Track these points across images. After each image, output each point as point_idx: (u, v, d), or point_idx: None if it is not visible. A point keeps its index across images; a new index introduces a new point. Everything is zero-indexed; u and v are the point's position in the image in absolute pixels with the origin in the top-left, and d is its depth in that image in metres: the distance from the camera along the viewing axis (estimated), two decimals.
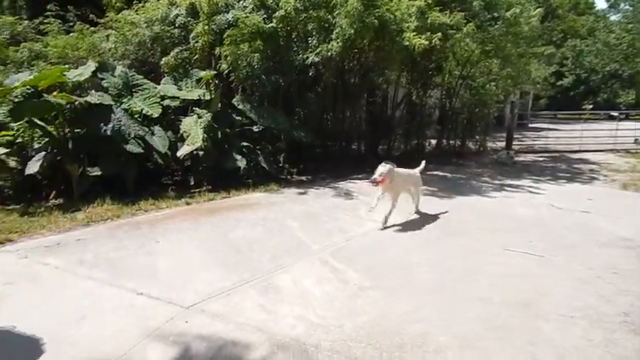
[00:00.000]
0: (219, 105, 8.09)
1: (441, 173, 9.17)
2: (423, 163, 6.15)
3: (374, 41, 8.54)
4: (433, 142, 12.23)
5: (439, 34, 8.14)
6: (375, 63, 9.38)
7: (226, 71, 8.25)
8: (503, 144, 13.36)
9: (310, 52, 8.12)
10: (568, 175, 9.37)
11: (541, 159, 12.13)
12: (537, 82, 19.26)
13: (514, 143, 13.58)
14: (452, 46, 9.60)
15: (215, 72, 8.34)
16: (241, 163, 7.39)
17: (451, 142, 12.48)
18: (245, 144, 7.84)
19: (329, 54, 7.95)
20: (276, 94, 8.74)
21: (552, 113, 31.35)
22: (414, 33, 7.93)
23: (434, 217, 5.67)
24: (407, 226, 5.12)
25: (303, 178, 8.31)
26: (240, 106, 8.15)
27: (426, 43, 7.85)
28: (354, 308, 3.15)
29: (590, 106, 30.77)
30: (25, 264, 3.89)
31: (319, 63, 8.34)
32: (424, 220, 5.51)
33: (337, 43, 7.82)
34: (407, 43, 7.90)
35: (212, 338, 2.74)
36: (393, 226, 5.15)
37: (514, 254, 4.33)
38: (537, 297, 3.37)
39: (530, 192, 7.44)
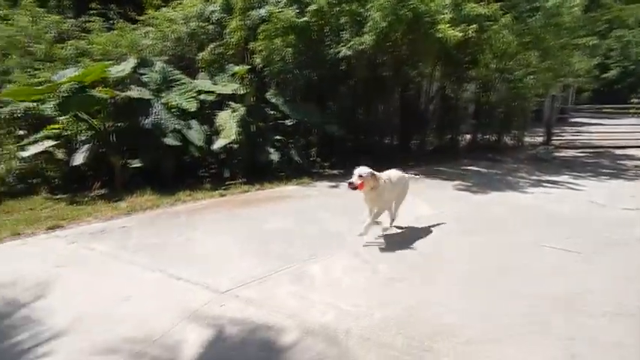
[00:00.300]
0: (253, 99, 8.25)
1: (475, 168, 9.00)
2: (412, 175, 5.15)
3: (407, 34, 8.45)
4: (468, 136, 11.99)
5: (475, 25, 7.97)
6: (408, 56, 9.28)
7: (260, 66, 8.40)
8: (542, 139, 12.93)
9: (342, 45, 8.13)
10: (611, 171, 8.99)
11: (582, 155, 11.66)
12: (580, 75, 18.43)
13: (554, 138, 13.11)
14: (488, 38, 9.36)
15: (249, 67, 8.50)
16: (274, 156, 7.52)
17: (487, 136, 12.18)
18: (278, 138, 7.97)
19: (361, 47, 7.94)
20: (308, 88, 8.82)
21: (596, 107, 29.98)
22: (449, 25, 7.80)
23: (468, 212, 5.59)
24: (439, 221, 5.08)
25: (335, 171, 8.35)
26: (273, 100, 8.28)
27: (460, 35, 7.71)
28: (385, 298, 3.18)
29: (638, 100, 29.21)
30: (74, 249, 4.15)
31: (351, 57, 8.34)
32: (458, 214, 5.45)
33: (370, 36, 7.80)
34: (441, 35, 7.78)
35: (245, 322, 2.84)
36: (425, 219, 5.12)
37: (550, 250, 4.22)
38: (576, 293, 3.29)
39: (570, 188, 7.19)
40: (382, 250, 4.15)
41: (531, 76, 11.08)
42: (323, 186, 7.13)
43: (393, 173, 4.64)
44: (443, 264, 3.85)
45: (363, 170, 4.12)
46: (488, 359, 2.50)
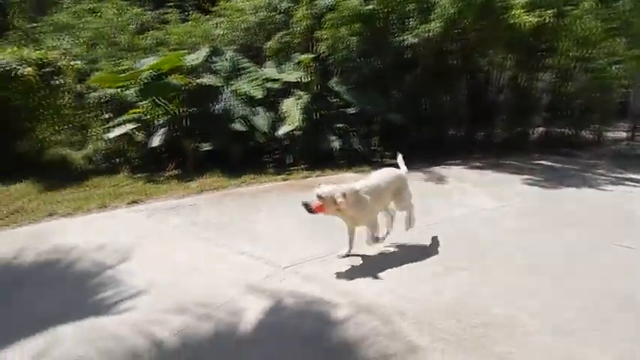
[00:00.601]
0: (317, 87, 8.39)
1: (547, 163, 8.51)
2: (400, 157, 4.38)
3: (477, 20, 8.12)
4: (540, 129, 11.30)
5: (552, 10, 7.48)
6: (478, 43, 8.92)
7: (325, 54, 8.50)
8: (626, 134, 11.89)
9: (408, 33, 8.00)
10: None
11: None
12: None
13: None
14: (568, 24, 8.73)
15: (314, 55, 8.63)
16: (336, 143, 7.63)
17: (562, 130, 11.41)
18: (340, 125, 8.06)
19: (428, 35, 7.77)
20: (372, 77, 8.79)
21: None
22: (523, 10, 7.39)
23: (535, 207, 5.34)
24: (504, 214, 4.92)
25: (396, 161, 8.31)
26: (337, 88, 8.36)
27: (535, 20, 7.27)
28: (441, 286, 3.18)
29: None
30: (151, 222, 4.55)
31: (417, 45, 8.19)
32: (524, 209, 5.23)
33: (437, 23, 7.60)
34: (514, 21, 7.39)
35: (302, 296, 2.99)
36: (489, 212, 4.98)
37: (625, 251, 3.95)
38: None
39: None
40: (440, 238, 4.11)
41: (617, 66, 10.19)
42: None
43: (380, 176, 3.85)
44: (504, 257, 3.75)
45: (323, 190, 3.36)
46: (546, 351, 2.44)
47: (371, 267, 3.50)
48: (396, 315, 2.74)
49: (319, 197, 3.34)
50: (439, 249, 3.89)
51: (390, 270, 3.44)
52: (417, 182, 6.51)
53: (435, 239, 4.10)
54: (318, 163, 7.42)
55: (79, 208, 5.09)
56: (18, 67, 6.72)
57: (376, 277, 3.29)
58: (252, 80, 7.93)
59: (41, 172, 6.77)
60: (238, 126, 7.26)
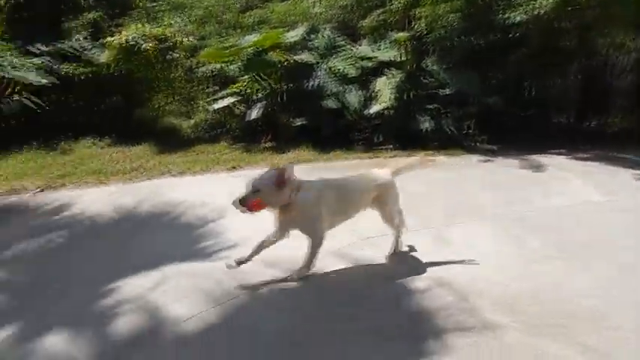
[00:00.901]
0: (411, 66, 8.24)
1: None
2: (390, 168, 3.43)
3: None
4: None
5: None
6: (596, 22, 8.02)
7: (422, 32, 8.28)
8: None
9: (513, 10, 7.46)
10: None
11: None
12: None
13: None
14: None
15: (410, 34, 8.46)
16: (427, 124, 7.49)
17: None
18: (432, 106, 7.87)
19: (538, 12, 7.18)
20: (471, 57, 8.38)
21: None
22: None
23: None
24: (611, 209, 4.49)
25: (490, 146, 7.92)
26: (433, 68, 8.14)
27: None
28: (525, 273, 3.09)
29: None
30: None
31: (524, 23, 7.61)
32: (636, 205, 4.72)
33: None
34: None
35: (380, 265, 3.12)
36: (593, 205, 4.59)
37: None
38: None
39: None
40: (529, 226, 3.93)
41: None
42: (473, 159, 6.88)
43: (345, 181, 3.14)
44: (603, 251, 3.49)
45: (262, 181, 2.63)
46: (632, 348, 2.29)
47: (452, 247, 3.50)
48: (474, 294, 2.74)
49: (255, 191, 2.60)
50: (533, 236, 3.72)
51: (472, 252, 3.40)
52: (514, 170, 6.20)
53: (524, 226, 3.93)
54: (406, 144, 7.37)
55: (187, 170, 5.71)
56: (141, 43, 7.56)
57: (459, 258, 3.28)
58: (346, 58, 8.03)
59: (156, 138, 7.63)
60: (330, 103, 7.45)
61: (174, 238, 3.62)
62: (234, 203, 2.62)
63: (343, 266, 3.10)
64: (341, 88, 7.63)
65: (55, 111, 7.35)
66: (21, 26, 7.69)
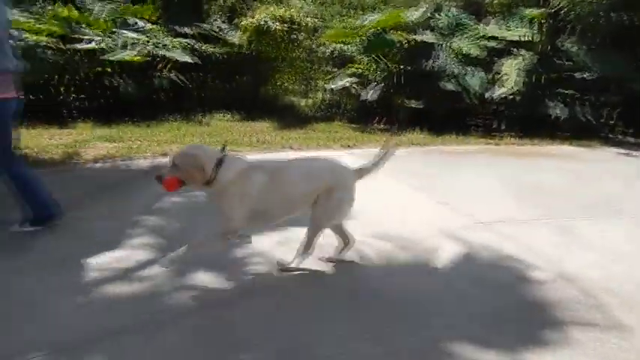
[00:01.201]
0: (545, 47, 7.56)
1: None
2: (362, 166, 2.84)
3: None
4: None
5: None
6: None
7: (559, 8, 7.50)
8: None
9: None
10: None
11: None
12: None
13: None
14: None
15: (544, 10, 7.71)
16: (557, 111, 6.88)
17: None
18: (565, 92, 7.17)
19: None
20: (617, 36, 7.39)
21: None
22: None
23: None
24: None
25: (634, 139, 7.00)
26: (569, 49, 7.37)
27: None
28: None
29: None
30: (362, 162, 5.12)
31: None
32: None
33: None
34: None
35: (496, 250, 3.02)
36: None
37: None
38: None
39: None
40: None
41: None
42: (611, 152, 6.19)
43: (299, 162, 2.78)
44: None
45: (183, 155, 2.32)
46: None
47: (579, 240, 3.26)
48: (601, 290, 2.55)
49: (174, 165, 2.29)
50: None
51: (603, 247, 3.14)
52: None
53: None
54: (530, 132, 6.87)
55: (305, 145, 6.07)
56: (270, 24, 8.09)
57: (584, 251, 3.07)
58: (470, 38, 7.68)
59: (277, 115, 8.18)
60: (449, 85, 7.23)
61: None
62: (155, 177, 2.34)
63: (456, 247, 3.09)
64: (462, 69, 7.35)
65: (194, 87, 8.29)
66: (170, 10, 8.74)
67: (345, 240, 2.74)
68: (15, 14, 6.85)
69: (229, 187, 2.31)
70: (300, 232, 3.05)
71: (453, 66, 7.30)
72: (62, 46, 7.00)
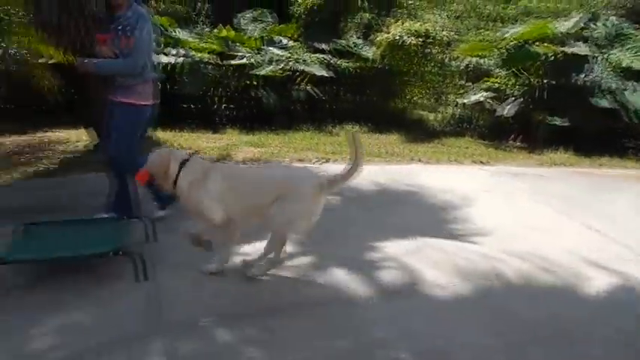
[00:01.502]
0: None
1: None
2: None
3: None
4: None
5: None
6: None
7: None
8: None
9: None
10: None
11: None
12: None
13: None
14: None
15: None
16: None
17: None
18: None
19: None
20: None
21: None
22: None
23: None
24: None
25: None
26: None
27: None
28: None
29: None
30: (495, 180, 4.93)
31: None
32: None
33: None
34: None
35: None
36: None
37: None
38: None
39: None
40: None
41: None
42: None
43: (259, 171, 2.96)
44: None
45: (155, 155, 2.59)
46: None
47: None
48: None
49: (151, 162, 2.56)
50: None
51: None
52: None
53: None
54: None
55: (432, 159, 5.99)
56: (405, 39, 8.19)
57: None
58: (634, 49, 6.79)
59: (405, 128, 8.18)
60: (604, 102, 6.49)
61: (421, 216, 3.90)
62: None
63: (607, 278, 2.79)
64: (621, 84, 6.53)
65: (327, 99, 8.75)
66: (311, 29, 9.38)
67: (271, 252, 2.61)
68: (186, 35, 8.09)
69: (187, 187, 2.48)
70: (435, 242, 3.09)
71: (610, 80, 6.52)
72: (220, 62, 8.01)
